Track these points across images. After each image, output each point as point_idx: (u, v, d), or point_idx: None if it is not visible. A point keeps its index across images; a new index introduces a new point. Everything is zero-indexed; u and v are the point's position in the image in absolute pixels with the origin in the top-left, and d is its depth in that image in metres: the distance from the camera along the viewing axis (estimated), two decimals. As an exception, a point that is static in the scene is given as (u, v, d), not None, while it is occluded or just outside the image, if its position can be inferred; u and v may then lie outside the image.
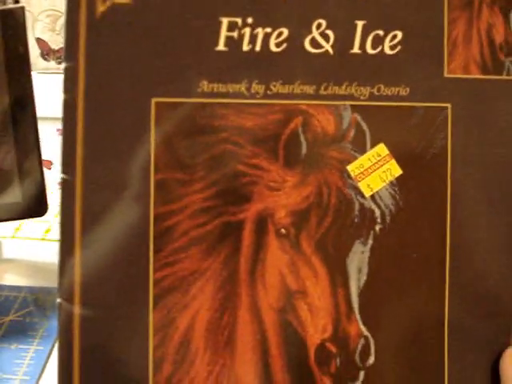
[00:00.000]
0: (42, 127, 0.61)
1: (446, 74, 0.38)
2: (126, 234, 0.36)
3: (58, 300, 0.36)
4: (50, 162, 0.81)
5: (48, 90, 0.64)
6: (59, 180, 0.36)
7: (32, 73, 0.60)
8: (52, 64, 0.91)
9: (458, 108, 0.38)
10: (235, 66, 0.36)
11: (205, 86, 0.36)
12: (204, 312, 0.36)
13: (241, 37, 0.36)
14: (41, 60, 0.90)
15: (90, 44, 0.35)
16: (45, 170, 0.62)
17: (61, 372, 0.36)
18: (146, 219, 0.36)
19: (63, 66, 0.36)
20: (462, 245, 0.38)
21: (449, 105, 0.38)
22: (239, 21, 0.36)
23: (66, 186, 0.36)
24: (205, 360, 0.36)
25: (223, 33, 0.36)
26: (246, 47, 0.36)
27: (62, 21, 0.88)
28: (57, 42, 0.89)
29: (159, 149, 0.36)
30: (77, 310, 0.36)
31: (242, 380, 0.37)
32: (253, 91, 0.37)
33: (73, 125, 0.35)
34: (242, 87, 0.36)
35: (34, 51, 0.88)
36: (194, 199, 0.36)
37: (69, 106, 0.35)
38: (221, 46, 0.36)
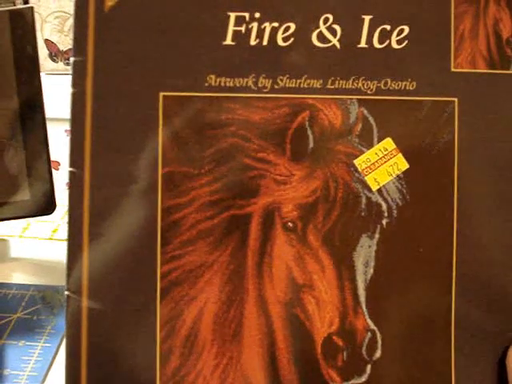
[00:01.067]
0: (50, 128, 0.62)
1: (452, 69, 0.38)
2: (133, 227, 0.36)
3: (67, 293, 0.36)
4: (58, 163, 0.81)
5: (56, 91, 0.64)
6: (68, 173, 0.36)
7: (40, 74, 0.61)
8: (60, 65, 0.91)
9: (464, 102, 0.38)
10: (242, 60, 0.37)
11: (212, 80, 0.36)
12: (211, 305, 0.37)
13: (248, 31, 0.36)
14: (49, 61, 0.90)
15: (99, 38, 0.36)
16: (52, 170, 0.62)
17: (68, 364, 0.36)
18: (154, 212, 0.36)
19: (72, 59, 0.36)
20: (468, 239, 0.38)
21: (455, 99, 0.38)
22: (247, 15, 0.36)
23: (75, 180, 0.36)
24: (212, 353, 0.37)
25: (231, 27, 0.36)
26: (253, 42, 0.37)
27: (70, 22, 0.89)
28: (65, 43, 0.90)
29: (167, 142, 0.36)
30: (85, 302, 0.36)
31: (248, 373, 0.37)
32: (260, 85, 0.37)
33: (81, 118, 0.36)
34: (250, 81, 0.37)
35: (42, 52, 0.88)
36: (202, 193, 0.36)
37: (77, 100, 0.36)
38: (228, 41, 0.36)
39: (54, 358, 0.54)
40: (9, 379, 0.51)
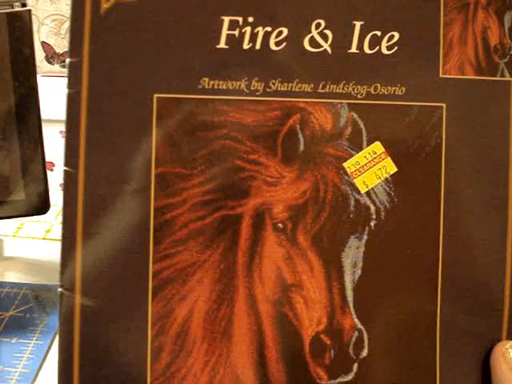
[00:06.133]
0: (45, 129, 0.62)
1: (441, 75, 0.39)
2: (126, 225, 0.37)
3: (60, 290, 0.36)
4: (52, 164, 0.82)
5: (52, 93, 0.64)
6: (63, 173, 0.37)
7: (36, 75, 0.61)
8: (56, 67, 0.92)
9: (452, 108, 0.39)
10: (235, 63, 0.37)
11: (206, 82, 0.37)
12: (202, 303, 0.37)
13: (241, 35, 0.37)
14: (45, 63, 0.91)
15: (95, 40, 0.36)
16: (47, 171, 0.62)
17: (61, 359, 0.37)
18: (147, 212, 0.37)
19: (68, 61, 0.37)
20: (454, 241, 0.39)
21: (443, 104, 0.39)
22: (240, 20, 0.37)
23: (69, 179, 0.37)
24: (202, 350, 0.37)
25: (224, 31, 0.37)
26: (246, 45, 0.37)
27: (66, 25, 0.90)
28: (61, 45, 0.90)
29: (160, 143, 0.37)
30: (78, 299, 0.36)
31: (237, 370, 0.37)
32: (252, 88, 0.37)
33: (76, 119, 0.36)
34: (242, 84, 0.37)
35: (38, 55, 0.89)
36: (194, 193, 0.37)
37: (73, 101, 0.36)
38: (222, 44, 0.37)
39: (45, 355, 0.54)
40: (1, 376, 0.51)
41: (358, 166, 0.38)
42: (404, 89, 0.38)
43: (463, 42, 0.39)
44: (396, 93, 0.38)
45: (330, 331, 0.38)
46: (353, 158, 0.38)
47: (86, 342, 0.37)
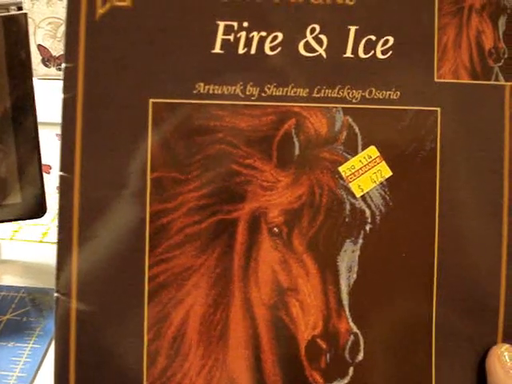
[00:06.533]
0: (42, 132, 0.62)
1: (435, 79, 0.39)
2: (122, 230, 0.37)
3: (56, 295, 0.37)
4: (49, 167, 0.81)
5: (48, 96, 0.64)
6: (58, 178, 0.37)
7: (33, 78, 0.61)
8: (52, 70, 0.92)
9: (447, 112, 0.39)
10: (231, 68, 0.37)
11: (201, 87, 0.37)
12: (198, 307, 0.37)
13: (236, 40, 0.37)
14: (41, 66, 0.91)
15: (90, 45, 0.36)
16: (44, 174, 0.63)
17: (57, 364, 0.37)
18: (143, 217, 0.37)
19: (63, 66, 0.37)
20: (450, 244, 0.39)
21: (438, 109, 0.39)
22: (235, 24, 0.37)
23: (65, 184, 0.37)
24: (198, 354, 0.37)
25: (219, 36, 0.37)
26: (241, 50, 0.37)
27: (63, 28, 0.90)
28: (58, 49, 0.91)
29: (156, 148, 0.37)
30: (73, 304, 0.36)
31: (234, 374, 0.37)
32: (248, 93, 0.37)
33: (72, 124, 0.36)
34: (237, 89, 0.37)
35: (35, 58, 0.89)
36: (190, 197, 0.37)
37: (68, 106, 0.37)
38: (217, 49, 0.37)
39: (42, 359, 0.54)
40: (-2, 379, 0.51)
41: (353, 170, 0.38)
42: (399, 93, 0.38)
43: (458, 47, 0.39)
44: (391, 97, 0.38)
45: (326, 335, 0.38)
46: (348, 162, 0.38)
47: (82, 346, 0.37)
